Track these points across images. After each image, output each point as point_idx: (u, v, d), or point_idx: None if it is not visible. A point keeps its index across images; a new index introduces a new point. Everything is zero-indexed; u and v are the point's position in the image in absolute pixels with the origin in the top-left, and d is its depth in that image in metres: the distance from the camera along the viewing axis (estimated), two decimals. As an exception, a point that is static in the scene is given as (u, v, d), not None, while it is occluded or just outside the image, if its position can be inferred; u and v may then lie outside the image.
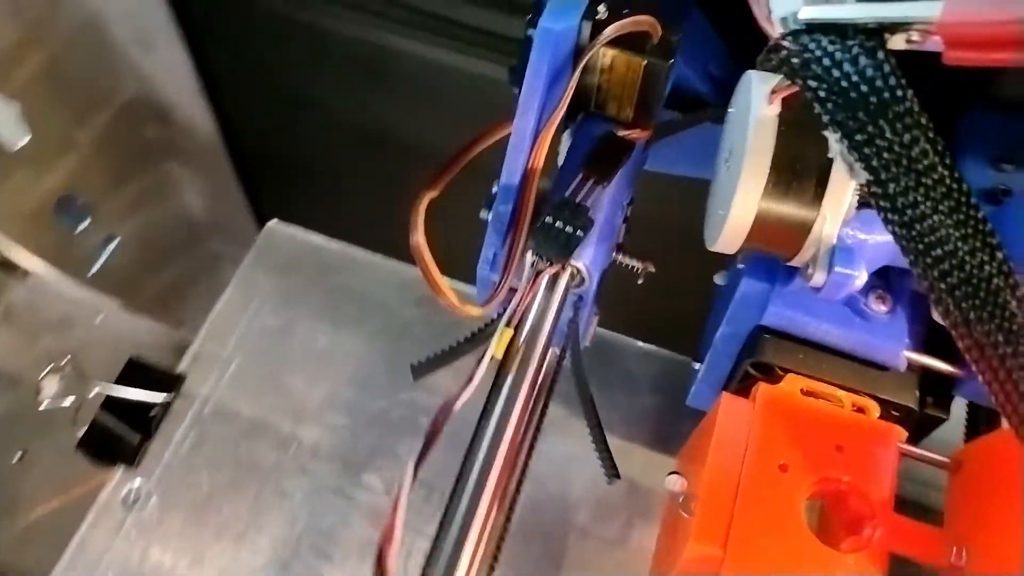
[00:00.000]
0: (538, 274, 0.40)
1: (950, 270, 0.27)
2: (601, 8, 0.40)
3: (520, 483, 0.38)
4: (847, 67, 0.26)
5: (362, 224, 0.74)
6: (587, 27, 0.40)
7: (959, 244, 0.27)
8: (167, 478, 0.57)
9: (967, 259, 0.27)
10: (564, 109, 0.39)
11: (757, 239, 0.38)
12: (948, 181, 0.26)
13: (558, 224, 0.39)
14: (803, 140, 0.36)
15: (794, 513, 0.38)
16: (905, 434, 0.41)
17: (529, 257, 0.40)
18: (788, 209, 0.37)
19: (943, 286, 0.27)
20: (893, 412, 0.43)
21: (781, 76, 0.34)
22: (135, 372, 0.61)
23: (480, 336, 0.42)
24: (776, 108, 0.36)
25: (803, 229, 0.37)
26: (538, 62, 0.39)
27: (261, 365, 0.63)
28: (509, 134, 0.42)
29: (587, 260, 0.40)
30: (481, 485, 0.35)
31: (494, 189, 0.42)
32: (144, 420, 0.59)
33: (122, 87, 0.99)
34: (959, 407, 0.49)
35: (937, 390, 0.44)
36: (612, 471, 0.40)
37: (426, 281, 0.41)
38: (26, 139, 0.85)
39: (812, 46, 0.27)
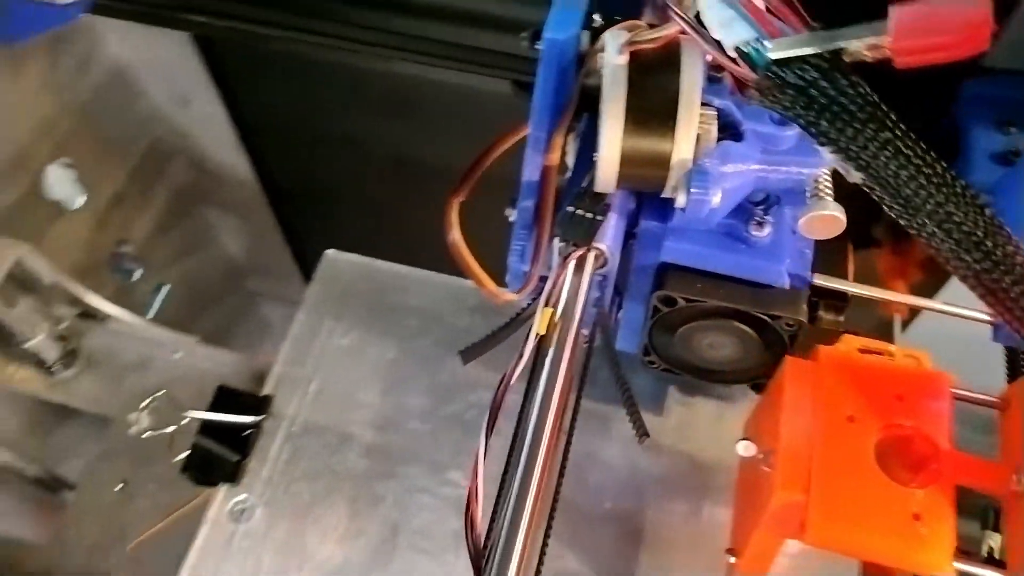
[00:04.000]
0: (566, 258, 0.46)
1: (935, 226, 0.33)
2: (596, 17, 0.46)
3: (568, 444, 0.44)
4: (820, 86, 0.32)
5: (405, 245, 0.79)
6: (586, 36, 0.46)
7: (940, 203, 0.32)
8: (269, 491, 0.62)
9: (943, 211, 0.32)
10: (573, 110, 0.45)
11: (628, 174, 0.44)
12: (915, 158, 0.32)
13: (579, 212, 0.45)
14: (650, 83, 0.42)
15: (866, 458, 0.43)
16: (955, 379, 0.46)
17: (556, 244, 0.46)
18: (646, 144, 0.42)
19: (935, 241, 0.33)
20: (787, 326, 0.48)
21: (629, 32, 0.42)
22: (226, 398, 0.65)
23: (516, 321, 0.48)
24: (625, 58, 0.42)
25: (663, 159, 0.43)
26: (546, 70, 0.45)
27: (339, 382, 0.68)
28: (522, 138, 0.47)
29: (608, 242, 0.46)
30: (536, 445, 0.41)
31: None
32: (240, 441, 0.63)
33: (162, 142, 1.04)
34: (998, 355, 0.53)
35: (830, 305, 0.49)
36: (642, 432, 0.46)
37: (467, 273, 0.48)
38: (83, 200, 0.91)
39: (786, 75, 0.33)
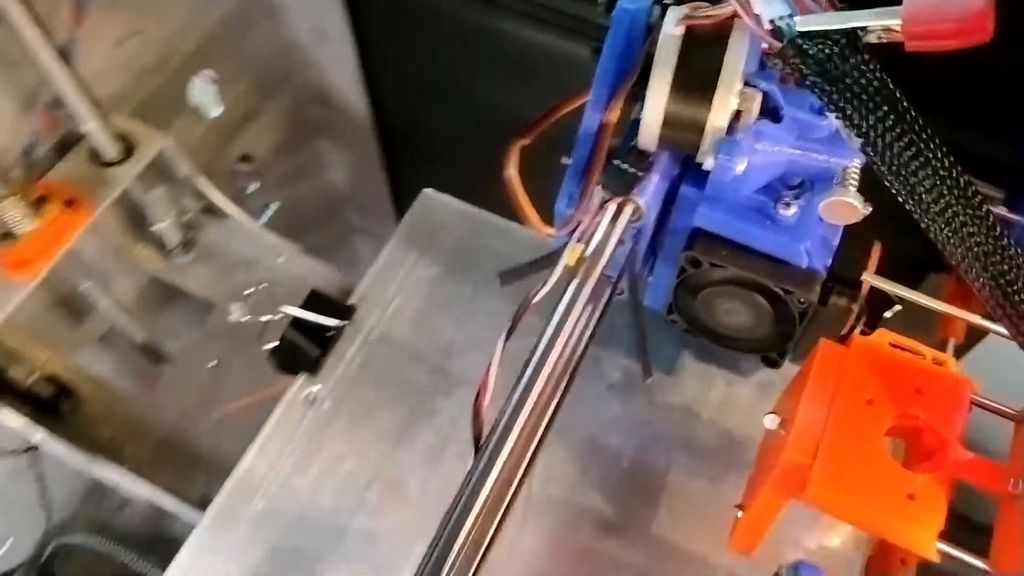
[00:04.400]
0: (604, 203, 0.50)
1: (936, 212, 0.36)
2: None
3: (579, 363, 0.49)
4: (834, 60, 0.37)
5: (495, 196, 0.85)
6: (657, 9, 0.50)
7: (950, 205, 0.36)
8: (340, 387, 0.69)
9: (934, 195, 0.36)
10: (635, 76, 0.48)
11: (668, 136, 0.48)
12: (919, 143, 0.36)
13: (623, 166, 0.50)
14: (698, 55, 0.46)
15: (876, 437, 0.47)
16: (977, 387, 0.49)
17: (599, 192, 0.50)
18: (687, 109, 0.47)
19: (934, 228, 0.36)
20: (799, 303, 0.51)
21: (689, 8, 0.45)
22: (316, 301, 0.73)
23: (555, 255, 0.52)
24: (681, 30, 0.46)
25: (699, 125, 0.47)
26: (614, 36, 0.50)
27: (417, 306, 0.75)
28: (586, 101, 0.51)
29: (646, 198, 0.50)
30: (545, 357, 0.47)
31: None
32: (322, 340, 0.71)
33: (296, 73, 1.13)
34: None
35: (844, 293, 0.53)
36: (648, 373, 0.53)
37: (515, 206, 0.53)
38: (219, 112, 1.00)
39: (808, 48, 0.37)
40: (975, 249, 0.37)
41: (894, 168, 0.36)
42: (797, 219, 0.50)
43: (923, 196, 0.36)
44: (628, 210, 0.50)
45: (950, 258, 0.38)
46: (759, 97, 0.47)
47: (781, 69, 0.39)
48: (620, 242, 0.50)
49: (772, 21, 0.38)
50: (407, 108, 1.18)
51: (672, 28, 0.46)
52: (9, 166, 0.65)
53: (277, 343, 0.72)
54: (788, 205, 0.49)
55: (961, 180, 0.35)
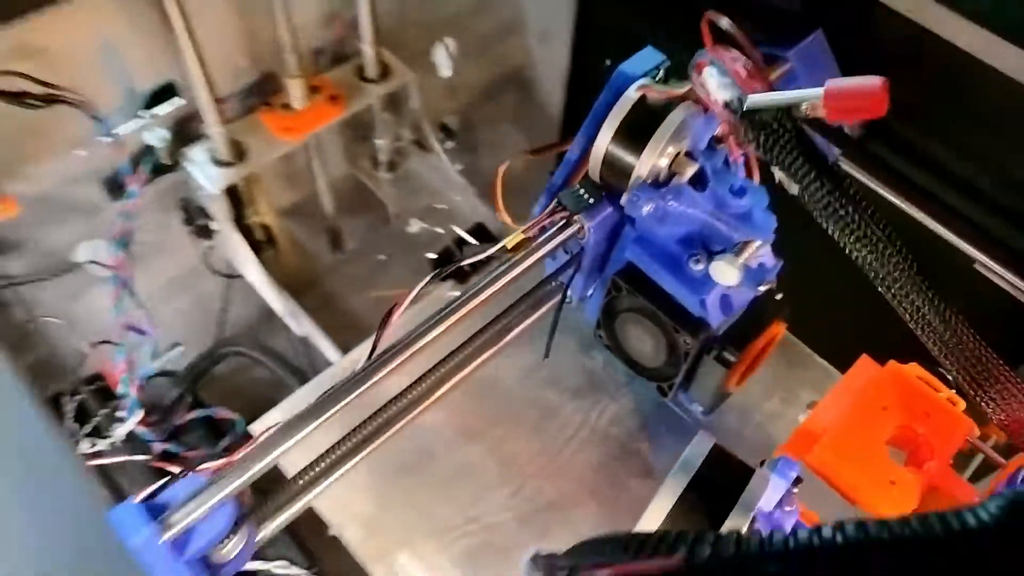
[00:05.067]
0: (553, 213, 0.62)
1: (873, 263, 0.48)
2: (661, 71, 0.61)
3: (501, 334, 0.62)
4: (774, 126, 0.49)
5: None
6: (647, 79, 0.60)
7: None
8: (478, 297, 0.87)
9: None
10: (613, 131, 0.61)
11: (606, 172, 0.60)
12: (828, 183, 0.48)
13: (581, 192, 0.62)
14: (642, 116, 0.58)
15: (880, 432, 0.59)
16: (976, 430, 0.60)
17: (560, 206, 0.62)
18: (621, 152, 0.59)
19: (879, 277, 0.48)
20: (684, 343, 0.61)
21: (651, 78, 0.58)
22: (479, 232, 0.91)
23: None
24: (637, 95, 0.58)
25: (627, 169, 0.58)
26: (607, 90, 0.61)
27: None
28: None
29: (591, 222, 0.61)
30: (454, 310, 0.57)
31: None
32: (478, 263, 0.89)
33: (514, 61, 1.33)
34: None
35: (731, 349, 0.63)
36: (547, 353, 0.64)
37: (492, 198, 0.65)
38: (448, 74, 1.21)
39: (754, 118, 0.50)
40: (881, 275, 0.48)
41: (817, 204, 0.48)
42: (703, 276, 0.60)
43: (839, 226, 0.48)
44: (573, 227, 0.62)
45: (873, 279, 0.50)
46: (694, 167, 0.59)
47: (727, 150, 0.52)
48: (563, 249, 0.62)
49: (727, 102, 0.51)
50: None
51: (631, 92, 0.59)
52: (304, 57, 0.87)
53: (437, 255, 0.91)
54: (698, 262, 0.60)
55: (859, 214, 0.47)
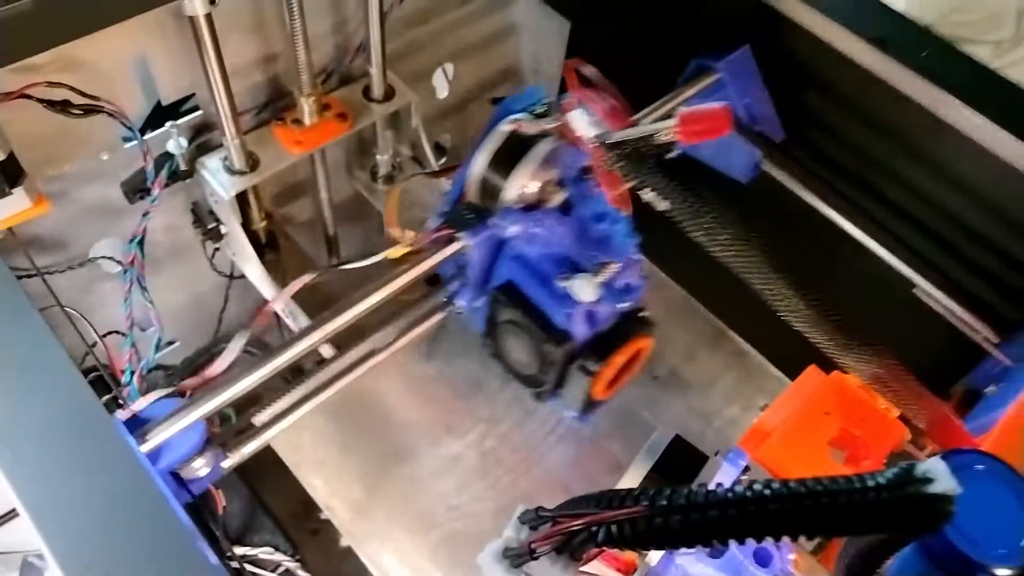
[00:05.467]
0: (438, 230, 0.70)
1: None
2: (540, 108, 0.70)
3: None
4: (636, 155, 0.58)
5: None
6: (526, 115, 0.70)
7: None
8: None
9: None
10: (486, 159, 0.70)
11: (480, 194, 0.68)
12: (690, 200, 0.56)
13: (465, 212, 0.69)
14: (512, 147, 0.66)
15: (822, 433, 0.67)
16: (908, 435, 0.68)
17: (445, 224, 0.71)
18: (492, 178, 0.67)
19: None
20: (548, 350, 0.69)
21: (529, 114, 0.66)
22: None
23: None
24: (509, 128, 0.66)
25: (496, 191, 0.67)
26: (491, 121, 0.69)
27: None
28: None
29: (474, 240, 0.69)
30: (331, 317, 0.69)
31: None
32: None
33: (508, 89, 1.41)
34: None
35: (594, 359, 0.71)
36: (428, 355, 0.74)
37: (386, 212, 0.74)
38: (444, 95, 1.29)
39: (617, 150, 0.58)
40: (746, 271, 0.56)
41: (684, 216, 0.56)
42: (569, 292, 0.68)
43: (704, 233, 0.56)
44: (457, 244, 0.70)
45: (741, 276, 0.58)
46: (562, 195, 0.67)
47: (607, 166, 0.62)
48: (449, 262, 0.71)
49: (596, 136, 0.60)
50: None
51: (504, 125, 0.67)
52: (316, 77, 0.94)
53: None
54: (565, 279, 0.68)
55: (719, 222, 0.56)
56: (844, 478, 0.35)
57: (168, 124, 0.87)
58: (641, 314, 0.73)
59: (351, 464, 0.84)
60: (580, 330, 0.69)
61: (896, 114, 0.79)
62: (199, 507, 0.94)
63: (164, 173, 0.88)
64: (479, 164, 0.68)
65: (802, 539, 0.66)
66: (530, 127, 0.64)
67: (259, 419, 0.73)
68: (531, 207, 0.68)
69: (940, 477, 0.34)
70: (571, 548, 0.36)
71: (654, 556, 0.52)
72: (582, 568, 0.53)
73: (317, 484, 0.82)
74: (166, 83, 0.84)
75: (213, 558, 0.51)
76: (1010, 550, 0.47)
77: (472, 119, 1.41)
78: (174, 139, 0.87)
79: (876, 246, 0.82)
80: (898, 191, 0.86)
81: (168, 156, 0.89)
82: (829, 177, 0.89)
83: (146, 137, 0.85)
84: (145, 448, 0.54)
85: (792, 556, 0.57)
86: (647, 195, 0.58)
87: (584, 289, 0.65)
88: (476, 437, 0.86)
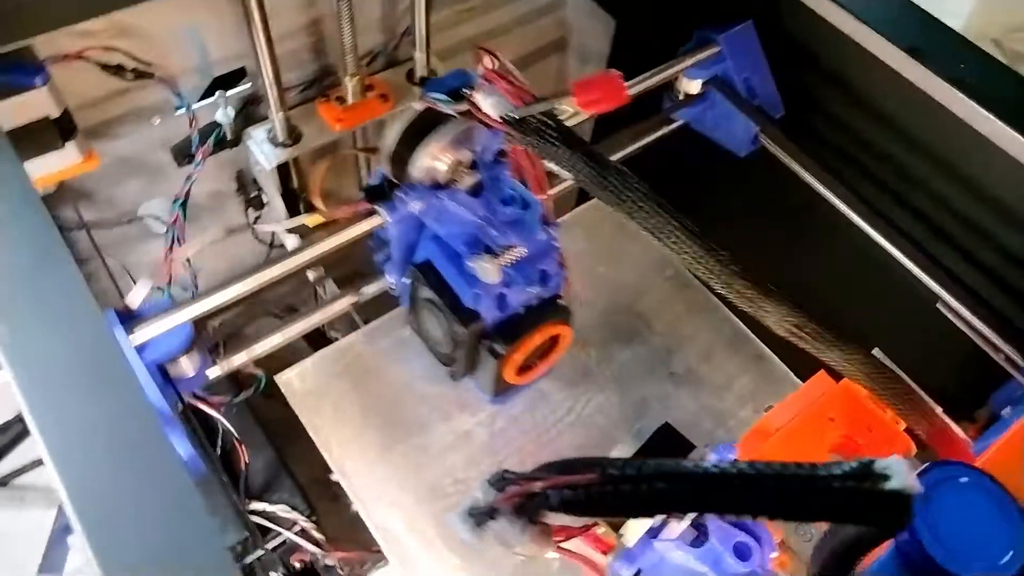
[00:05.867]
0: (358, 204, 0.72)
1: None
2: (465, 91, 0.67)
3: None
4: (540, 128, 0.57)
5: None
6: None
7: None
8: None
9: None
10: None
11: (394, 170, 0.69)
12: (597, 164, 0.56)
13: (384, 187, 0.71)
14: (424, 124, 0.67)
15: (823, 437, 0.67)
16: (914, 449, 0.68)
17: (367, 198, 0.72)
18: (403, 152, 0.67)
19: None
20: (456, 328, 0.70)
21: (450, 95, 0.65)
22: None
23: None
24: (421, 107, 0.67)
25: (404, 165, 0.67)
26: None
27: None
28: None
29: (393, 216, 0.71)
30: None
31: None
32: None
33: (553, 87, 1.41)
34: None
35: (502, 341, 0.71)
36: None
37: (311, 186, 0.76)
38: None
39: (523, 125, 0.58)
40: (664, 239, 0.55)
41: (590, 186, 0.56)
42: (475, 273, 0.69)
43: (611, 200, 0.56)
44: (375, 219, 0.72)
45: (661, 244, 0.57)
46: (474, 177, 0.68)
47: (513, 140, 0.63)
48: (369, 235, 0.73)
49: (501, 116, 0.60)
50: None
51: (416, 104, 0.68)
52: (361, 59, 0.97)
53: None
54: (473, 260, 0.68)
55: (629, 190, 0.55)
56: (802, 464, 0.36)
57: (217, 94, 0.91)
58: (559, 302, 0.74)
59: (367, 432, 0.87)
60: (489, 312, 0.71)
61: (925, 120, 0.78)
62: (226, 459, 0.99)
63: (211, 141, 0.92)
64: (389, 140, 0.69)
65: (791, 538, 0.66)
66: (443, 107, 0.65)
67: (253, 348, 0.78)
68: (442, 186, 0.69)
69: (897, 475, 0.34)
70: (528, 510, 0.38)
71: (631, 537, 0.53)
72: (563, 545, 0.55)
73: (333, 447, 0.85)
74: (216, 55, 0.88)
75: (186, 450, 0.54)
76: (989, 565, 0.47)
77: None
78: (222, 109, 0.91)
79: (881, 239, 0.81)
80: (920, 196, 0.85)
81: (216, 125, 0.93)
82: (831, 160, 0.88)
83: (196, 106, 0.89)
84: (134, 340, 0.60)
85: (775, 554, 0.57)
86: (552, 166, 0.60)
87: (487, 271, 0.67)
88: (487, 416, 0.88)
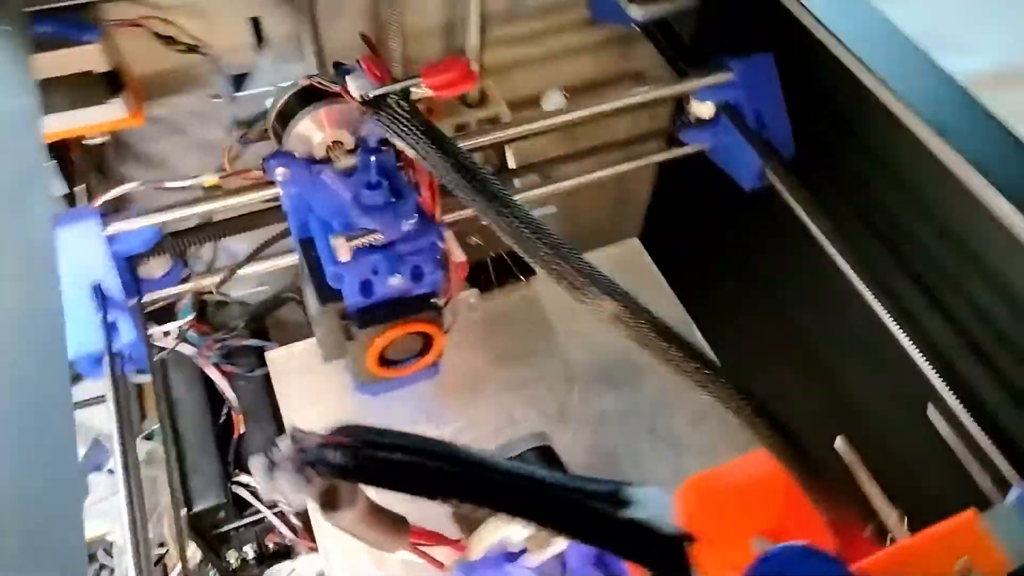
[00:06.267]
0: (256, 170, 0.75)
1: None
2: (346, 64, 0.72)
3: None
4: (393, 108, 0.62)
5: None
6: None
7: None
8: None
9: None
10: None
11: (275, 140, 0.75)
12: (444, 147, 0.60)
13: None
14: (303, 98, 0.73)
15: (757, 520, 0.61)
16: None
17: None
18: (281, 119, 0.74)
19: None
20: (314, 304, 0.73)
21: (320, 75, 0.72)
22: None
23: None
24: (305, 83, 0.73)
25: (279, 133, 0.74)
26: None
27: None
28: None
29: (286, 171, 0.73)
30: None
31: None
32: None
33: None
34: None
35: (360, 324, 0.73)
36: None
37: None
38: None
39: (380, 104, 0.64)
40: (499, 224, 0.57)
41: (434, 167, 0.60)
42: (351, 260, 0.70)
43: (453, 184, 0.59)
44: (272, 189, 0.74)
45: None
46: (353, 160, 0.71)
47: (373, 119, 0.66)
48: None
49: (361, 94, 0.64)
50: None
51: (301, 80, 0.73)
52: (411, 68, 1.00)
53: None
54: (333, 237, 0.70)
55: (469, 175, 0.58)
56: (562, 476, 0.34)
57: (270, 83, 0.96)
58: (432, 301, 0.75)
59: (330, 422, 0.89)
60: (352, 295, 0.72)
61: (943, 196, 0.72)
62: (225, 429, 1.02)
63: (259, 127, 0.98)
64: (272, 112, 0.75)
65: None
66: (324, 87, 0.71)
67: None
68: (317, 161, 0.73)
69: (646, 504, 0.32)
70: (303, 468, 0.37)
71: (474, 550, 0.50)
72: (423, 548, 0.53)
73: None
74: (272, 44, 0.94)
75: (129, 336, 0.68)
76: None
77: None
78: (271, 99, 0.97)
79: (882, 310, 0.75)
80: (933, 276, 0.78)
81: (265, 113, 0.98)
82: (840, 210, 0.83)
83: (248, 89, 0.95)
84: (105, 232, 0.69)
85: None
86: (399, 144, 0.64)
87: (339, 248, 0.69)
88: (452, 431, 0.88)
